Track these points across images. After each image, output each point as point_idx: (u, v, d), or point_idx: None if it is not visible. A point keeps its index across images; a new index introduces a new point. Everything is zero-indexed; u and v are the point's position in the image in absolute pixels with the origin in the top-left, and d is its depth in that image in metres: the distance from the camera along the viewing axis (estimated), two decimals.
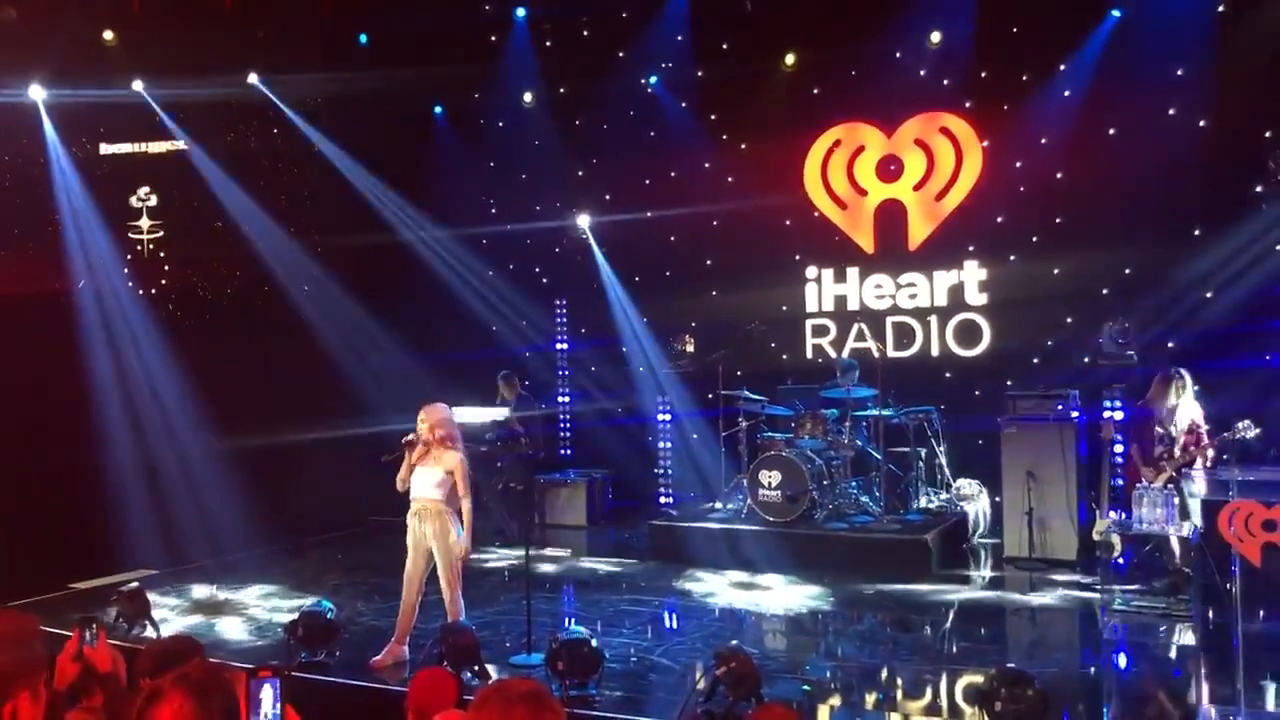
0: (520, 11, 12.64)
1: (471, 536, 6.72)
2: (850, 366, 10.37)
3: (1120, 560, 7.68)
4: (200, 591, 8.95)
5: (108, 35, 11.64)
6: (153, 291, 12.10)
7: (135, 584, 7.74)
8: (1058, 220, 10.71)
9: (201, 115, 12.06)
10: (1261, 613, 6.89)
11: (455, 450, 6.67)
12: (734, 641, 6.45)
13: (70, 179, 11.54)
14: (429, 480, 6.66)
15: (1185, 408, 7.94)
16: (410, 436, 6.76)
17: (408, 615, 6.78)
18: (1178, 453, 7.81)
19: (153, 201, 12.27)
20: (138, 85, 11.61)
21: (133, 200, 12.27)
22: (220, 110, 12.10)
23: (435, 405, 6.83)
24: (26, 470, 9.75)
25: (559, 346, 13.50)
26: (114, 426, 10.95)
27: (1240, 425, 7.36)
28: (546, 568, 9.87)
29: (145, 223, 12.28)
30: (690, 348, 12.08)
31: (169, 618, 7.91)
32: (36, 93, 11.22)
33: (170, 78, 11.38)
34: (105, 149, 12.14)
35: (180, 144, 12.08)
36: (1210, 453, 7.75)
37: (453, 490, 6.66)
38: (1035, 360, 10.77)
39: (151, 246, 12.31)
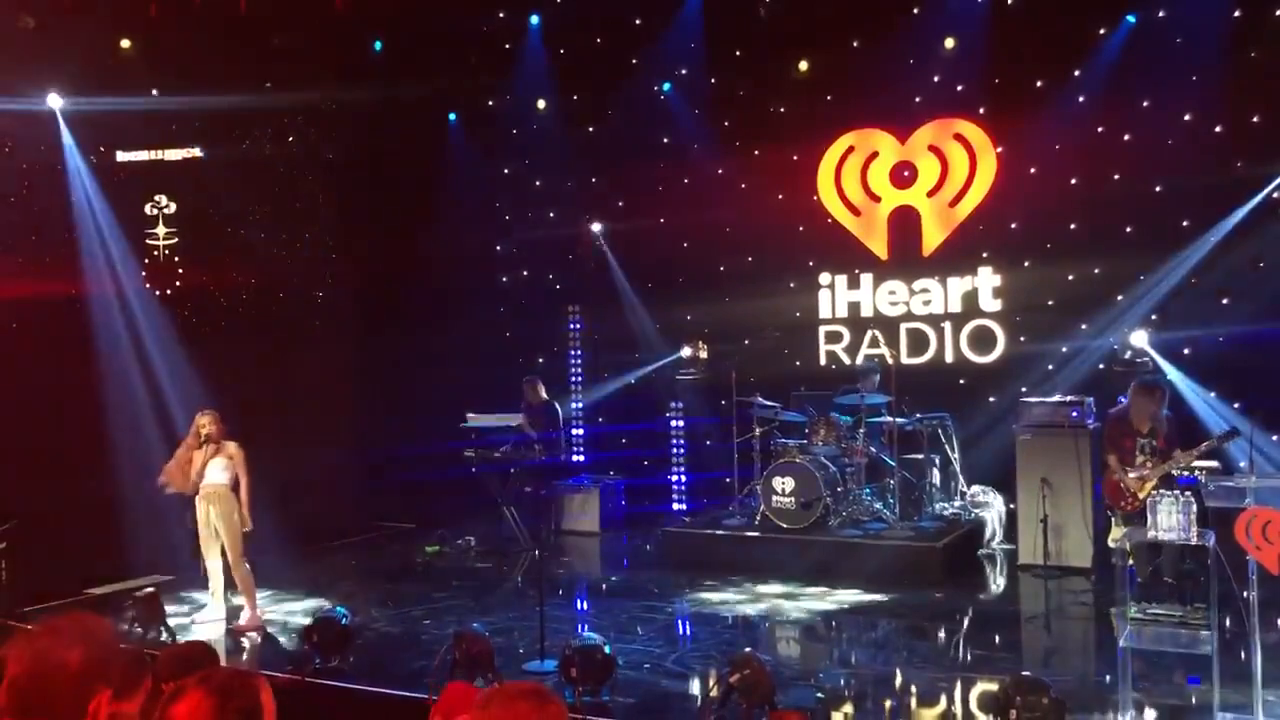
0: (534, 19, 12.68)
1: (250, 510, 7.94)
2: (870, 370, 10.36)
3: (1135, 568, 7.64)
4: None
5: (125, 43, 11.72)
6: (168, 296, 12.16)
7: (150, 589, 7.77)
8: (1072, 226, 10.68)
9: (218, 122, 12.13)
10: (1279, 620, 6.87)
11: (233, 440, 7.99)
12: (747, 648, 6.43)
13: (87, 186, 11.61)
14: (216, 468, 7.90)
15: (1161, 416, 7.85)
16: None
17: (219, 579, 8.03)
18: (1158, 460, 7.69)
19: (169, 209, 12.34)
20: (155, 93, 11.67)
21: (149, 207, 12.34)
22: (236, 117, 12.17)
23: (205, 409, 8.13)
24: (42, 475, 9.79)
25: (572, 353, 13.52)
26: (129, 431, 11.01)
27: (1226, 430, 7.43)
28: (560, 574, 9.87)
29: (161, 229, 12.34)
30: (704, 354, 12.09)
31: (183, 623, 7.93)
32: (54, 100, 11.31)
33: (187, 85, 11.44)
34: (122, 156, 12.21)
35: (197, 151, 12.15)
36: (1195, 460, 7.70)
37: (235, 475, 7.92)
38: (1050, 366, 10.73)
39: (167, 253, 12.38)
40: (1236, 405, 9.39)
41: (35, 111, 11.20)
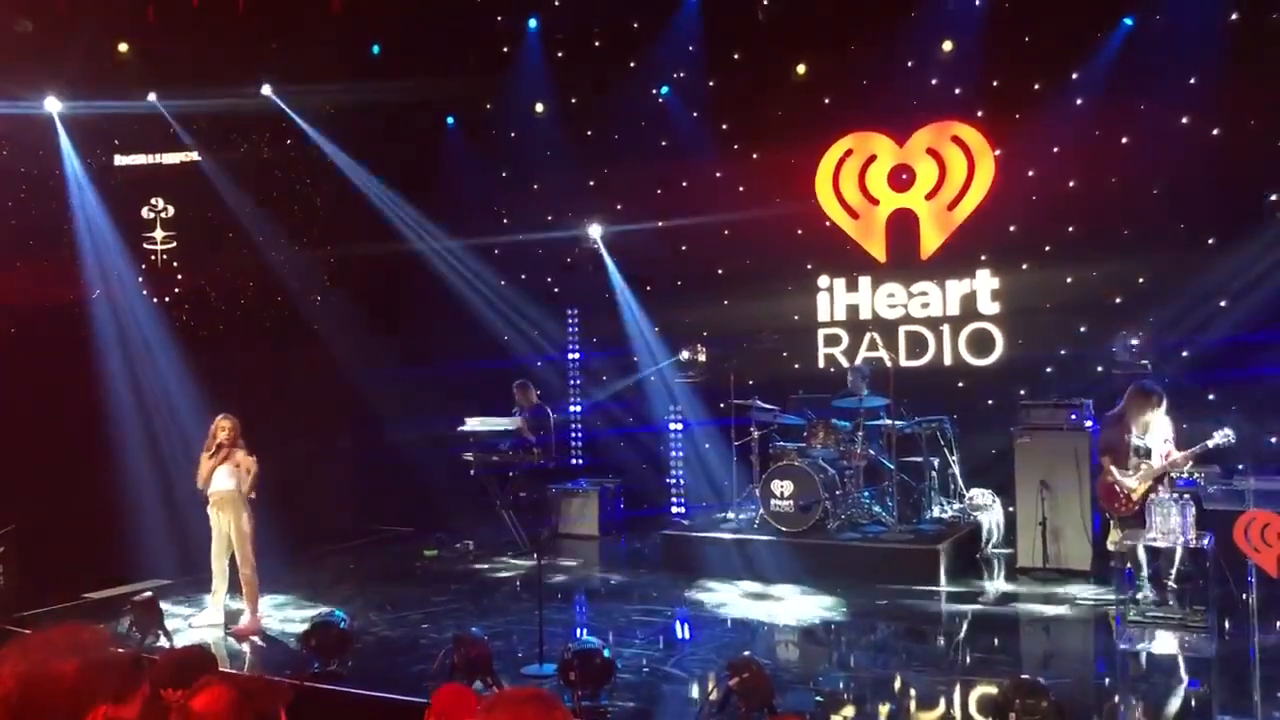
0: (532, 22, 12.68)
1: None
2: (859, 373, 10.36)
3: (1134, 570, 7.64)
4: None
5: (122, 47, 11.72)
6: (166, 300, 12.16)
7: (148, 593, 7.75)
8: (1070, 229, 10.68)
9: (215, 126, 12.13)
10: (1278, 623, 6.87)
11: (243, 450, 7.96)
12: (746, 652, 6.43)
13: (85, 190, 11.61)
14: (223, 474, 7.92)
15: (1160, 420, 7.85)
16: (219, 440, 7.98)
17: (223, 583, 8.07)
18: (1157, 463, 7.69)
19: (167, 212, 12.34)
20: (152, 97, 11.67)
21: (147, 211, 12.34)
22: (234, 121, 12.17)
23: (227, 415, 8.09)
24: (40, 480, 9.77)
25: (571, 356, 13.52)
26: (127, 436, 11.00)
27: (1218, 434, 7.45)
28: (558, 578, 9.86)
29: (159, 233, 12.35)
30: (702, 357, 12.10)
31: (182, 628, 7.92)
32: (52, 104, 11.30)
33: (184, 89, 11.45)
34: (120, 160, 12.22)
35: (194, 155, 12.15)
36: (1189, 464, 7.69)
37: (240, 481, 7.93)
38: (1048, 369, 10.73)
39: (165, 257, 12.38)
40: (1234, 408, 9.39)
41: (33, 115, 11.20)
